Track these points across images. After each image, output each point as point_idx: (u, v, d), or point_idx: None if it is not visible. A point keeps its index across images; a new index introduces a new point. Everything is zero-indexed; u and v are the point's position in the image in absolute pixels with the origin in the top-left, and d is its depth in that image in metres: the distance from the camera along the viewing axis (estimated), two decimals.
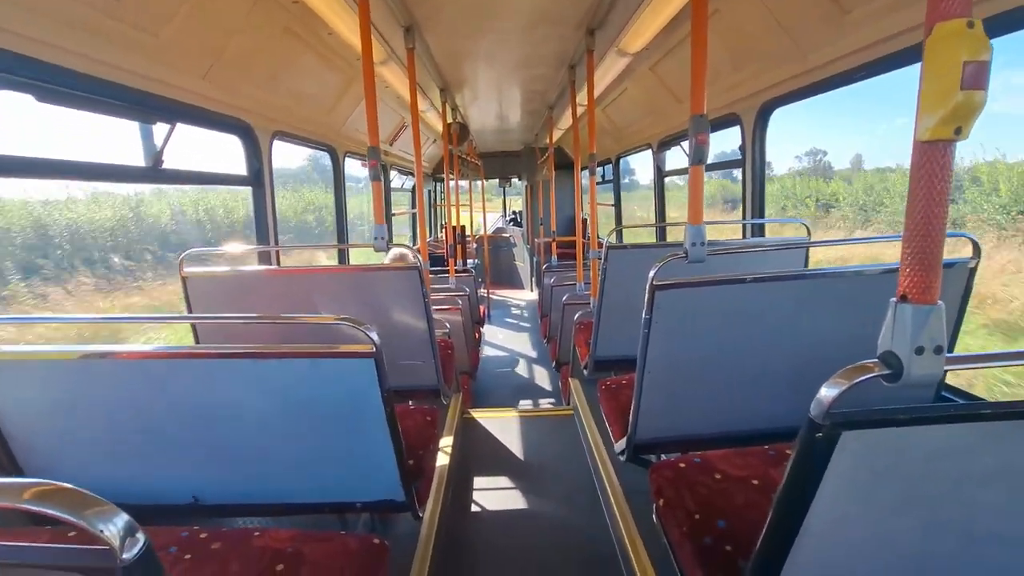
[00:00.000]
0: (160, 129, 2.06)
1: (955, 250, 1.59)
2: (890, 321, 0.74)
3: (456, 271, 4.48)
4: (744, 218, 3.01)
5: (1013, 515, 0.86)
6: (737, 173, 3.08)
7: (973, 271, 1.56)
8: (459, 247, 6.09)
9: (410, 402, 2.10)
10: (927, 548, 0.91)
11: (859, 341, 0.79)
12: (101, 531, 0.53)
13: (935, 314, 0.71)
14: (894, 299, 0.74)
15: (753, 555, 0.95)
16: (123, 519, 0.55)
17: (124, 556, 0.54)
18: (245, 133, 2.64)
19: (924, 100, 0.67)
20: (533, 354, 5.94)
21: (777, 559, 0.89)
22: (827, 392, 0.74)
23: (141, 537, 0.56)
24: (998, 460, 0.80)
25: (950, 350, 1.65)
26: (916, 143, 0.69)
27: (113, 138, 2.09)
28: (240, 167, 2.72)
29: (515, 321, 7.58)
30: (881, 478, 0.82)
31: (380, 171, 2.23)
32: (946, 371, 0.74)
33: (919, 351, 0.71)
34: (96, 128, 1.93)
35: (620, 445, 1.93)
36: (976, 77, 0.63)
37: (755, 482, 1.44)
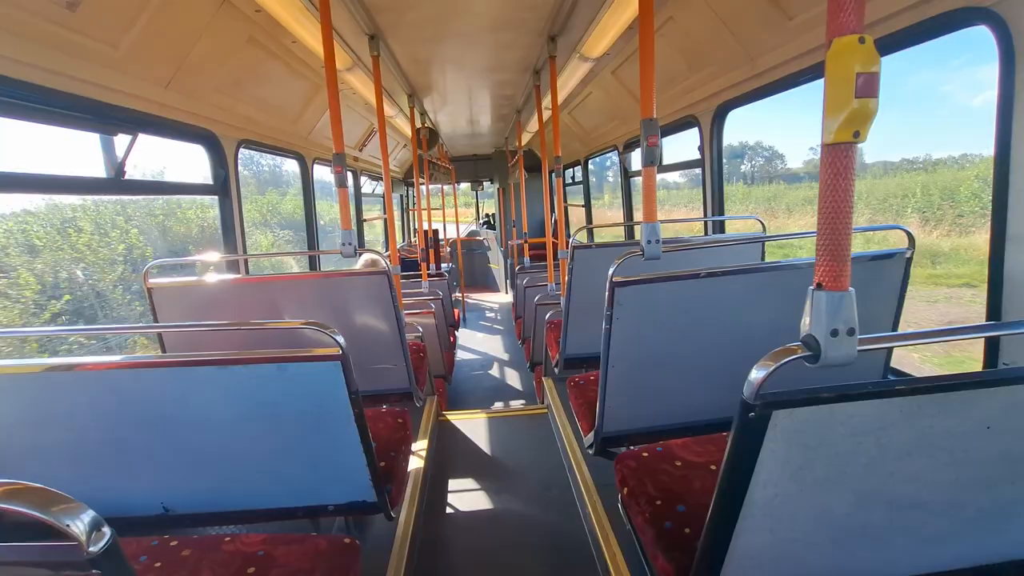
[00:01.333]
0: (122, 140, 2.04)
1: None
2: (808, 307, 0.81)
3: (429, 275, 4.50)
4: (704, 215, 3.12)
5: (931, 483, 0.95)
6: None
7: (909, 260, 1.67)
8: (432, 251, 6.09)
9: (383, 406, 2.12)
10: (859, 518, 0.99)
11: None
12: (68, 526, 0.56)
13: (847, 299, 0.78)
14: (811, 287, 0.81)
15: (703, 534, 1.01)
16: (89, 514, 0.57)
17: (91, 549, 0.56)
18: (210, 142, 2.63)
19: (827, 106, 0.75)
20: (508, 355, 5.98)
21: (724, 536, 0.95)
22: (756, 374, 0.80)
23: (107, 531, 0.58)
24: (915, 432, 0.88)
25: (893, 332, 1.77)
26: (823, 146, 0.77)
27: (73, 150, 2.06)
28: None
29: (490, 323, 7.61)
30: (812, 454, 0.89)
31: (345, 178, 2.25)
32: (861, 351, 0.81)
33: (834, 333, 0.79)
34: (54, 140, 1.90)
35: (588, 439, 1.99)
36: (868, 86, 0.71)
37: (713, 467, 1.51)
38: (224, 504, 1.50)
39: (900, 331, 1.71)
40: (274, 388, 1.29)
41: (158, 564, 1.24)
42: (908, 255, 1.66)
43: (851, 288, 0.79)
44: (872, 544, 1.04)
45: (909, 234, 1.66)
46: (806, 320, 0.81)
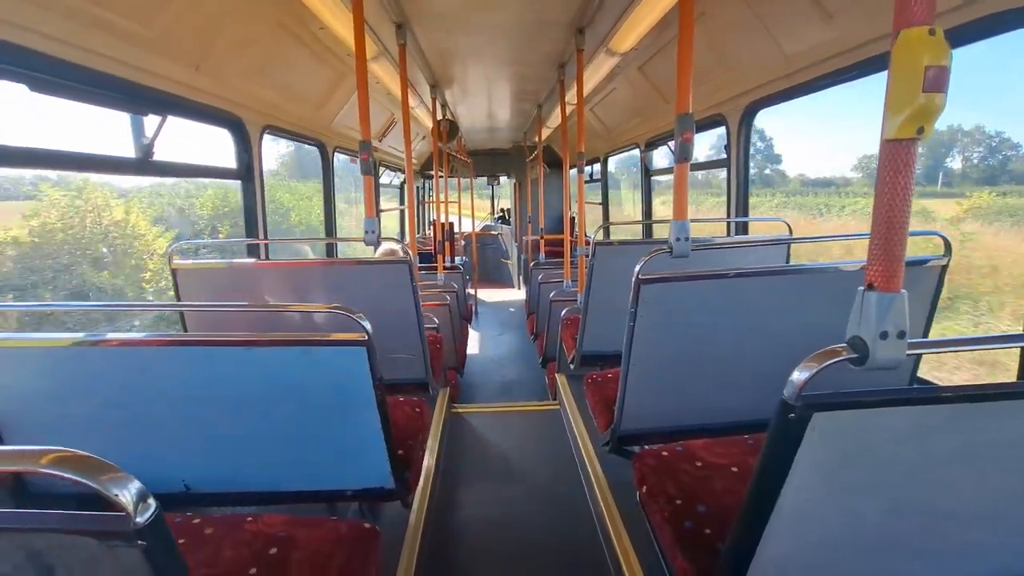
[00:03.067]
0: (151, 121, 2.06)
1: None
2: (857, 308, 0.78)
3: (444, 268, 4.50)
4: (728, 216, 3.07)
5: (972, 493, 0.92)
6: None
7: (944, 268, 1.63)
8: (447, 244, 6.10)
9: (399, 396, 2.13)
10: (893, 527, 0.97)
11: (836, 334, 0.84)
12: (116, 495, 0.56)
13: (898, 301, 0.76)
14: (861, 288, 0.78)
15: (729, 536, 1.00)
16: (136, 485, 0.57)
17: (137, 520, 0.56)
18: (235, 127, 2.64)
19: (890, 101, 0.72)
20: (520, 350, 5.98)
21: (752, 539, 0.93)
22: (799, 375, 0.78)
23: (152, 503, 0.58)
24: (957, 441, 0.85)
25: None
26: (882, 142, 0.74)
27: (103, 129, 2.08)
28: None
29: (502, 318, 7.61)
30: (850, 459, 0.86)
31: (371, 166, 2.25)
32: (909, 355, 0.79)
33: (883, 336, 0.76)
34: (86, 118, 1.92)
35: (605, 437, 1.98)
36: (936, 81, 0.68)
37: (734, 469, 1.49)
38: (243, 484, 1.51)
39: (949, 337, 1.67)
40: (298, 371, 1.29)
41: (182, 540, 1.25)
42: (944, 262, 1.62)
43: (903, 290, 0.77)
44: (905, 554, 1.02)
45: (946, 240, 1.62)
46: (855, 321, 0.79)
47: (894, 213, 0.75)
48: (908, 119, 0.70)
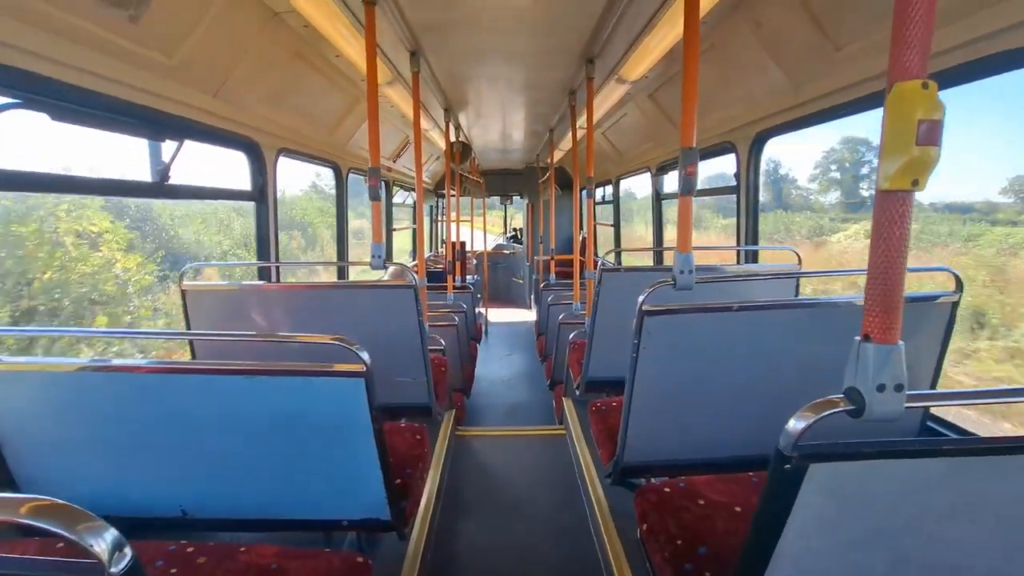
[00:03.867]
0: (168, 145, 2.12)
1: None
2: (853, 359, 0.77)
3: (455, 287, 4.52)
4: (738, 244, 3.05)
5: (975, 549, 0.88)
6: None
7: (955, 305, 1.59)
8: (458, 263, 6.13)
9: (403, 419, 2.12)
10: None
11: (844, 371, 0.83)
12: (91, 545, 0.56)
13: (895, 353, 0.74)
14: (858, 338, 0.77)
15: None
16: (112, 535, 0.58)
17: (112, 570, 0.57)
18: (251, 150, 2.71)
19: (884, 152, 0.72)
20: (528, 372, 5.94)
21: None
22: (795, 424, 0.77)
23: (128, 552, 0.58)
24: (961, 494, 0.82)
25: (933, 383, 1.69)
26: (877, 192, 0.73)
27: (119, 152, 2.15)
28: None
29: (512, 338, 7.58)
30: (848, 511, 0.84)
31: (379, 191, 2.28)
32: (909, 408, 0.77)
33: (880, 388, 0.74)
34: (104, 143, 1.98)
35: (608, 468, 1.95)
36: (930, 134, 0.67)
37: (737, 509, 1.45)
38: (241, 511, 1.51)
39: (952, 389, 1.62)
40: (298, 400, 1.30)
41: (174, 570, 1.25)
42: (955, 299, 1.58)
43: (901, 342, 0.75)
44: None
45: (957, 276, 1.58)
46: (851, 372, 0.77)
47: (890, 264, 0.73)
48: (902, 170, 0.70)
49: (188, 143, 2.20)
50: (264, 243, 2.84)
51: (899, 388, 0.75)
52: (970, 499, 0.83)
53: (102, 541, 0.57)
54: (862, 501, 0.83)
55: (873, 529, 0.87)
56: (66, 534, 0.55)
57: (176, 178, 2.16)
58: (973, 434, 1.77)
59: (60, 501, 0.57)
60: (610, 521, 2.38)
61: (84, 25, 1.54)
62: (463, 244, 6.98)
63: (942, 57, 1.60)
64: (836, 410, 0.77)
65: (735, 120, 2.99)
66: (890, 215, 0.72)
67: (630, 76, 3.14)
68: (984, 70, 1.55)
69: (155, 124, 2.00)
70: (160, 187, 2.12)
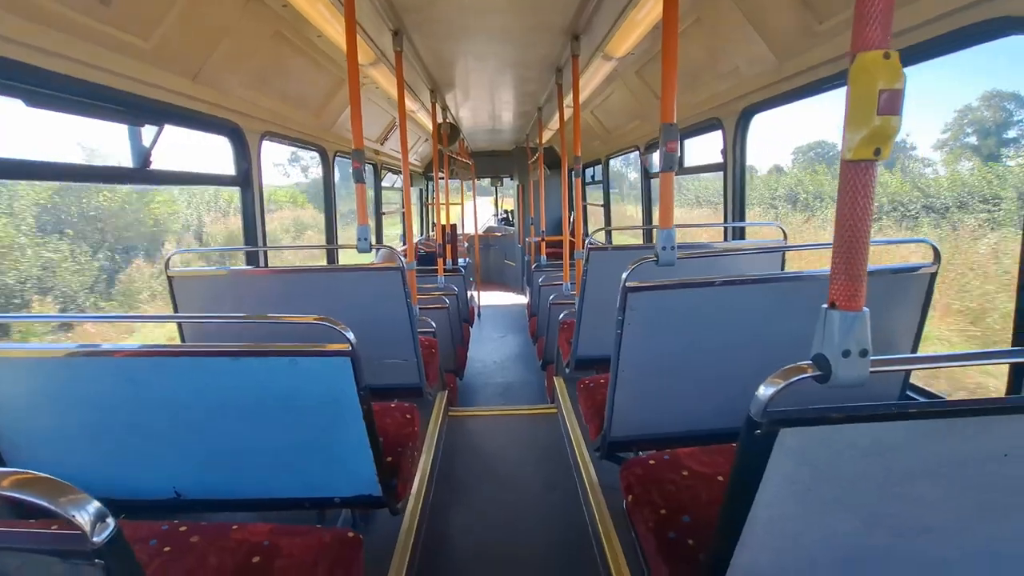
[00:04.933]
0: (148, 131, 2.09)
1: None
2: (820, 326, 0.79)
3: (445, 270, 4.52)
4: (725, 221, 3.07)
5: (941, 508, 0.92)
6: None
7: (934, 276, 1.62)
8: (449, 246, 6.11)
9: (393, 401, 2.15)
10: (865, 542, 0.97)
11: None
12: (73, 516, 0.58)
13: (860, 320, 0.77)
14: (824, 305, 0.79)
15: (708, 549, 1.00)
16: (94, 506, 0.60)
17: (94, 539, 0.59)
18: (234, 134, 2.67)
19: (848, 123, 0.73)
20: (521, 353, 5.98)
21: (726, 552, 0.94)
22: (764, 391, 0.79)
23: (111, 522, 0.60)
24: (927, 457, 0.85)
25: (913, 351, 1.72)
26: (842, 162, 0.75)
27: (101, 139, 2.12)
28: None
29: (505, 320, 7.61)
30: (819, 475, 0.87)
31: (363, 173, 2.27)
32: (873, 373, 0.79)
33: (845, 354, 0.77)
34: (84, 129, 1.95)
35: (596, 443, 1.99)
36: (891, 104, 0.69)
37: (720, 478, 1.49)
38: (234, 492, 1.53)
39: (918, 353, 1.66)
40: (286, 380, 1.31)
41: (167, 548, 1.27)
42: (933, 270, 1.61)
43: (866, 308, 0.77)
44: (878, 569, 1.02)
45: (935, 248, 1.61)
46: (818, 339, 0.79)
47: (855, 233, 0.75)
48: (865, 140, 0.71)
49: (170, 128, 2.17)
50: (251, 228, 2.82)
51: (864, 354, 0.77)
52: (936, 461, 0.86)
53: (84, 512, 0.58)
54: (833, 466, 0.86)
55: (844, 493, 0.90)
56: (48, 505, 0.57)
57: (158, 163, 2.14)
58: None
59: (43, 475, 0.59)
60: (599, 495, 2.43)
61: (55, 7, 1.50)
62: (453, 227, 6.96)
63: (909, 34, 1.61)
64: (803, 376, 0.79)
65: (721, 96, 2.98)
66: (854, 185, 0.74)
67: (616, 52, 3.11)
68: (949, 45, 1.57)
69: (134, 109, 1.97)
70: (141, 173, 2.10)
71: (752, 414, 0.80)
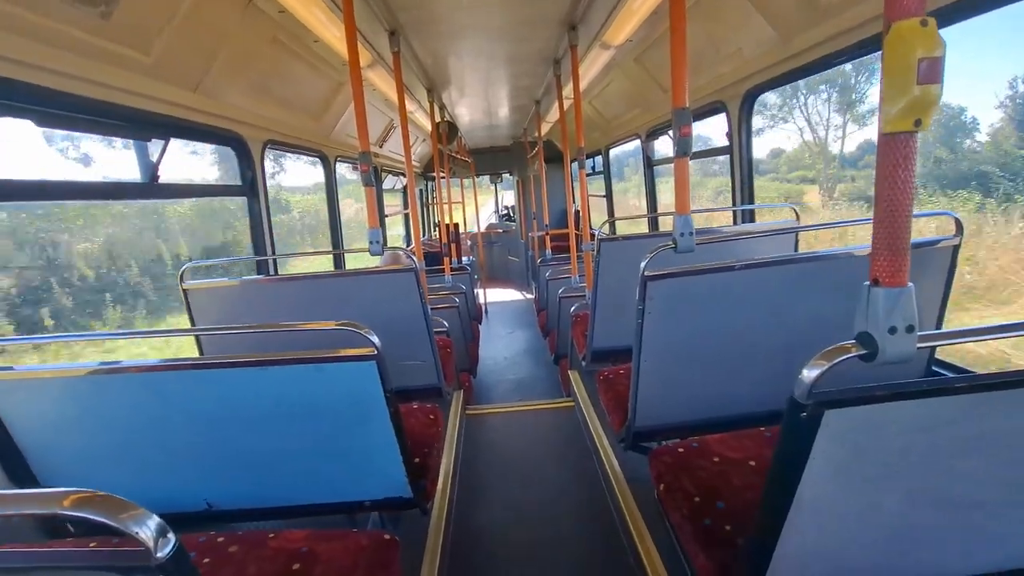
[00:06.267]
0: (154, 145, 2.08)
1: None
2: (864, 304, 0.78)
3: (451, 269, 4.51)
4: (734, 204, 3.05)
5: (987, 481, 0.91)
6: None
7: (956, 249, 1.60)
8: (453, 245, 6.10)
9: (414, 402, 2.15)
10: (910, 517, 0.96)
11: (849, 322, 0.84)
12: (136, 532, 0.57)
13: (905, 295, 0.75)
14: (867, 283, 0.78)
15: (750, 533, 0.99)
16: (155, 521, 0.59)
17: (158, 555, 0.58)
18: (237, 144, 2.67)
19: (885, 94, 0.71)
20: (532, 348, 5.98)
21: (771, 536, 0.93)
22: (808, 373, 0.78)
23: (172, 537, 0.60)
24: (971, 430, 0.84)
25: (938, 326, 1.71)
26: (880, 135, 0.73)
27: (108, 156, 2.11)
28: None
29: (513, 316, 7.61)
30: (864, 453, 0.86)
31: (372, 176, 2.26)
32: (921, 348, 0.78)
33: (892, 331, 0.76)
34: (90, 147, 1.95)
35: (620, 434, 1.98)
36: (930, 72, 0.67)
37: (752, 463, 1.49)
38: (265, 500, 1.53)
39: (960, 327, 1.64)
40: (311, 387, 1.31)
41: (207, 560, 1.27)
42: (956, 243, 1.59)
43: (911, 283, 0.76)
44: (924, 544, 1.01)
45: (958, 220, 1.59)
46: (862, 317, 0.78)
47: (896, 207, 0.74)
48: (903, 111, 0.70)
49: (175, 141, 2.17)
50: (259, 237, 2.82)
51: (910, 329, 0.76)
52: (981, 435, 0.85)
53: (147, 528, 0.58)
54: (877, 443, 0.85)
55: (887, 469, 0.89)
56: (111, 523, 0.56)
57: (166, 176, 2.13)
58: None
59: (102, 492, 0.58)
60: (625, 486, 2.43)
61: (56, 26, 1.50)
62: (456, 226, 6.94)
63: None
64: (849, 355, 0.78)
65: (724, 79, 2.95)
66: (894, 158, 0.72)
67: (614, 40, 3.09)
68: (985, 4, 1.53)
69: (139, 123, 1.96)
70: (149, 187, 2.09)
71: (796, 396, 0.79)
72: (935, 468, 0.90)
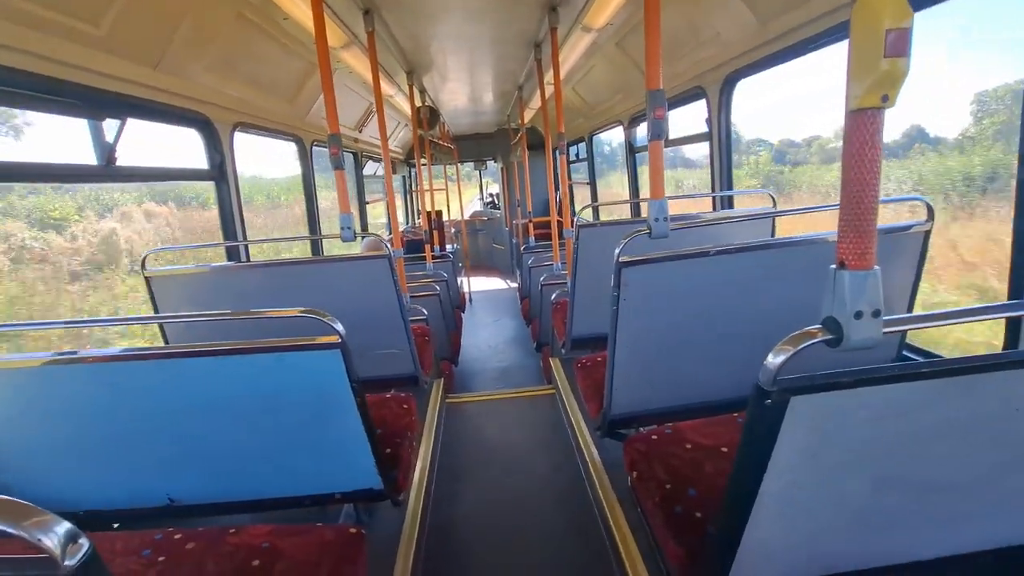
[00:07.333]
0: (111, 125, 1.99)
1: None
2: (830, 288, 0.76)
3: (434, 257, 4.46)
4: (712, 191, 3.03)
5: (955, 465, 0.91)
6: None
7: (928, 234, 1.60)
8: (436, 232, 6.03)
9: (392, 391, 2.10)
10: (878, 503, 0.96)
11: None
12: (39, 540, 0.53)
13: (871, 279, 0.73)
14: (833, 266, 0.75)
15: (715, 521, 0.98)
16: (63, 527, 0.55)
17: (66, 563, 0.54)
18: (203, 126, 2.57)
19: (853, 69, 0.68)
20: (515, 336, 5.96)
21: (738, 523, 0.92)
22: (773, 359, 0.76)
23: (84, 543, 0.56)
24: (937, 415, 0.84)
25: (909, 311, 1.71)
26: (847, 113, 0.70)
27: (63, 137, 2.01)
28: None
29: (497, 304, 7.57)
30: (831, 440, 0.85)
31: (342, 159, 2.19)
32: (887, 333, 0.76)
33: (858, 315, 0.74)
34: (42, 127, 1.85)
35: (596, 421, 1.97)
36: (898, 44, 0.64)
37: (724, 450, 1.48)
38: (230, 494, 1.49)
39: (924, 312, 1.65)
40: (274, 377, 1.26)
41: (161, 558, 1.23)
42: (928, 228, 1.59)
43: (876, 267, 0.74)
44: (892, 528, 1.01)
45: (929, 205, 1.59)
46: (828, 301, 0.76)
47: (863, 188, 0.71)
48: (871, 87, 0.67)
49: (135, 123, 2.07)
50: (228, 222, 2.73)
51: (876, 314, 0.74)
52: (947, 419, 0.84)
53: (53, 535, 0.54)
54: (844, 429, 0.84)
55: (855, 455, 0.88)
56: (14, 531, 0.52)
57: (124, 160, 2.04)
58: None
59: (4, 497, 0.54)
60: (603, 473, 2.43)
61: None
62: (439, 213, 6.85)
63: None
64: (814, 341, 0.76)
65: (704, 64, 2.92)
66: (861, 136, 0.70)
67: (595, 23, 3.03)
68: None
69: (91, 102, 1.86)
70: (107, 170, 2.00)
71: (761, 383, 0.77)
72: (903, 453, 0.89)
